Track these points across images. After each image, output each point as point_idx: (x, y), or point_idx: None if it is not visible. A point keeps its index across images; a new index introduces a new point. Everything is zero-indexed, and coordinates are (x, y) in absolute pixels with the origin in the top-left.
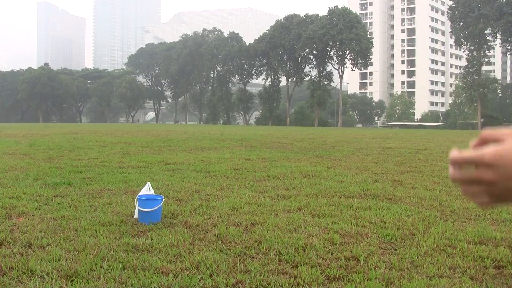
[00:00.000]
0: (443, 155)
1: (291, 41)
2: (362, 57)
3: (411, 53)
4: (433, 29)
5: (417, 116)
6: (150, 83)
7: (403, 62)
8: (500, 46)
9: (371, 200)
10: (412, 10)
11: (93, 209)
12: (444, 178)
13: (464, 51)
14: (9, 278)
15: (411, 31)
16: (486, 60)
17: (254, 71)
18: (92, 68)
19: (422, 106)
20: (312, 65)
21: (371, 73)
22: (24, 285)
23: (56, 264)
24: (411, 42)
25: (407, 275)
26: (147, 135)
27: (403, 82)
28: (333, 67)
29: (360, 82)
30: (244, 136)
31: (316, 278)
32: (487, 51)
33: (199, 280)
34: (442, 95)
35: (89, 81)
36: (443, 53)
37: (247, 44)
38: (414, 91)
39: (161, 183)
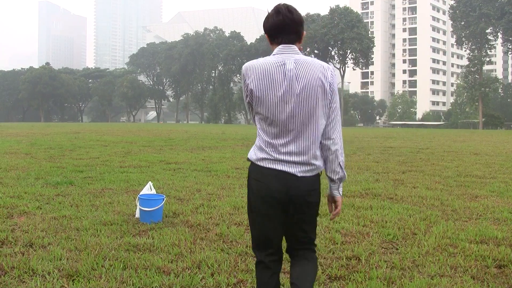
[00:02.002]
0: (445, 154)
1: None
2: (364, 57)
3: (413, 52)
4: (434, 29)
5: (419, 115)
6: (151, 82)
7: (404, 61)
8: (502, 46)
9: (373, 199)
10: (413, 10)
11: (95, 209)
12: (445, 178)
13: (465, 51)
14: (10, 277)
15: (413, 31)
16: (488, 59)
17: None
18: (93, 67)
19: (423, 105)
20: None
21: (372, 73)
22: (26, 284)
23: (58, 263)
24: (413, 41)
25: (409, 274)
26: (149, 134)
27: (404, 82)
28: (335, 66)
29: (361, 82)
30: (245, 135)
31: (318, 277)
32: (488, 51)
33: (201, 280)
34: (444, 94)
35: (90, 80)
36: (444, 53)
37: (249, 44)
38: (416, 91)
39: (162, 182)
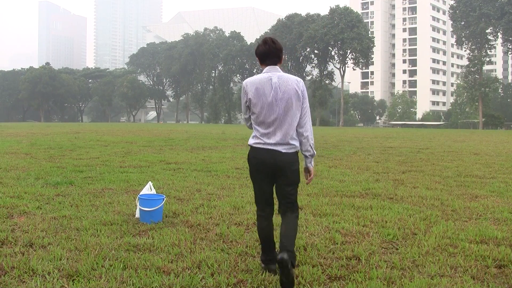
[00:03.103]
0: (445, 154)
1: (292, 41)
2: (364, 57)
3: (413, 52)
4: (434, 29)
5: (419, 115)
6: (151, 82)
7: (404, 61)
8: (502, 46)
9: (373, 199)
10: (413, 10)
11: (95, 209)
12: (445, 178)
13: (465, 51)
14: (10, 277)
15: (413, 31)
16: (488, 59)
17: (255, 70)
18: (93, 67)
19: (423, 105)
20: (314, 65)
21: (372, 73)
22: (26, 284)
23: (58, 263)
24: (413, 41)
25: (409, 274)
26: (149, 134)
27: (404, 82)
28: (335, 67)
29: (361, 82)
30: (245, 135)
31: (318, 277)
32: (488, 51)
33: (201, 280)
34: (444, 94)
35: (90, 80)
36: (444, 53)
37: (249, 44)
38: (416, 91)
39: (162, 182)
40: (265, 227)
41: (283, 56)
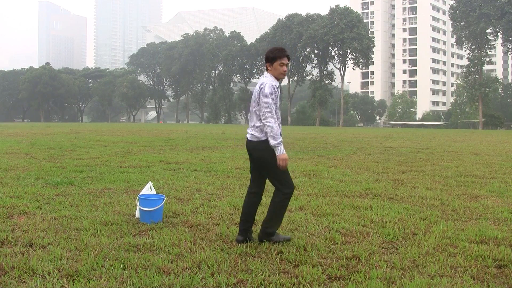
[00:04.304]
0: (445, 154)
1: (292, 41)
2: (364, 57)
3: (413, 52)
4: (434, 29)
5: (419, 115)
6: (151, 82)
7: (404, 61)
8: (502, 46)
9: (373, 199)
10: (413, 10)
11: (95, 209)
12: (445, 178)
13: (465, 51)
14: (10, 277)
15: (413, 31)
16: (488, 59)
17: (255, 70)
18: (93, 67)
19: (423, 105)
20: (314, 65)
21: (372, 73)
22: (26, 284)
23: (58, 263)
24: (413, 41)
25: (409, 274)
26: (149, 134)
27: (404, 82)
28: (335, 67)
29: (361, 82)
30: (245, 135)
31: (318, 277)
32: (488, 51)
33: (201, 280)
34: (444, 94)
35: (90, 80)
36: (444, 53)
37: (249, 44)
38: (416, 91)
39: (162, 182)
40: (248, 201)
41: (267, 64)
